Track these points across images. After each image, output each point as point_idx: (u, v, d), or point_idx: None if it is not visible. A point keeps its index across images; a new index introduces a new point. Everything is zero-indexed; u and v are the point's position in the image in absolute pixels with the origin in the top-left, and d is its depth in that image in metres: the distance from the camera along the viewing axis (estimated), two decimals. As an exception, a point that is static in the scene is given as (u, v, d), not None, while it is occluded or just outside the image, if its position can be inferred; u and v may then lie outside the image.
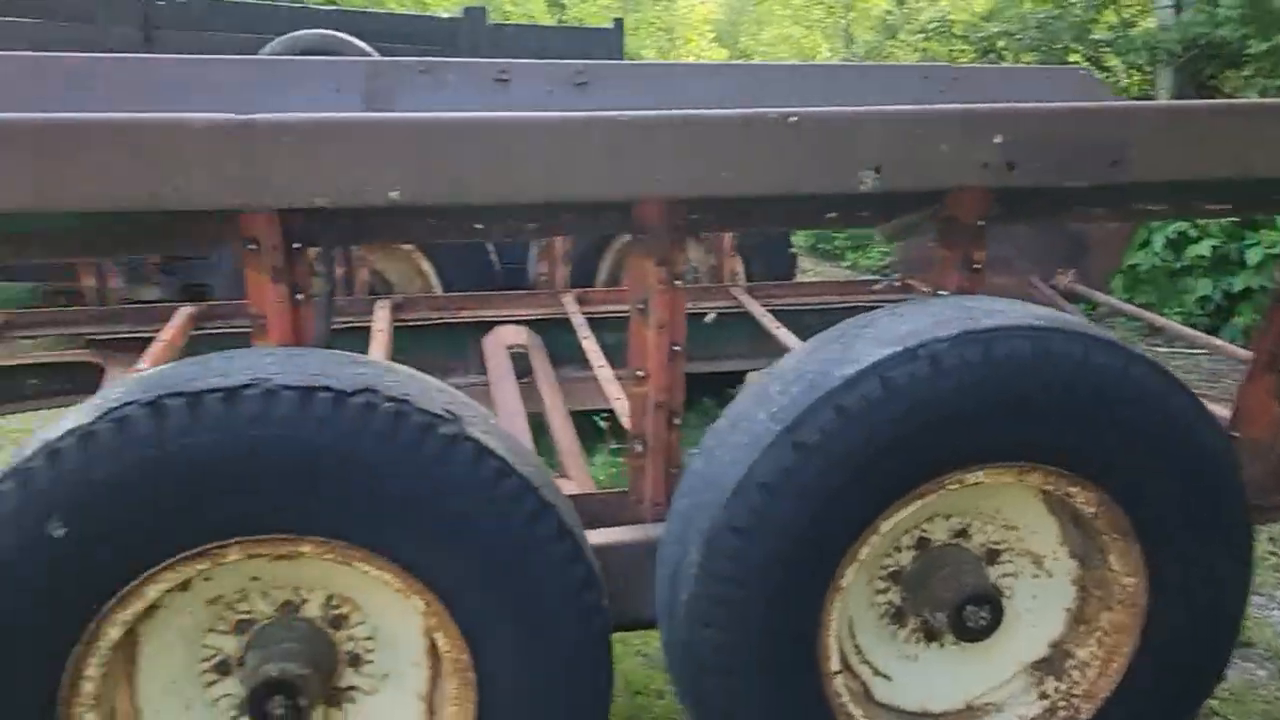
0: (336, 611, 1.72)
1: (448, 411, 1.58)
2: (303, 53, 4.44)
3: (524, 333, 3.64)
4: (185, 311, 3.46)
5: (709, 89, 3.50)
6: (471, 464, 1.55)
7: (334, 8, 5.65)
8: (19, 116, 1.64)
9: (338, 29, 4.70)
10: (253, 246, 1.81)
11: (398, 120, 1.67)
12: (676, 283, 1.96)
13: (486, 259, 4.08)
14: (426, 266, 4.07)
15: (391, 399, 1.54)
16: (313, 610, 1.71)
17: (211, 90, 3.43)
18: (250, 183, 1.66)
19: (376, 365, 1.66)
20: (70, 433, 1.46)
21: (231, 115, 1.65)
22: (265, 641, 1.67)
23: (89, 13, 4.89)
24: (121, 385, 1.54)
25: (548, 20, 10.48)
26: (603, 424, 3.55)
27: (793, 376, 1.69)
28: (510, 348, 3.50)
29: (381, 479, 1.52)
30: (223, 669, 1.70)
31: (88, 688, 1.54)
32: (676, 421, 2.04)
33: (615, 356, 3.22)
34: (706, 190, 1.81)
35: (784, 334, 3.16)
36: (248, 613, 1.69)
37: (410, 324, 3.66)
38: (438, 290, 4.10)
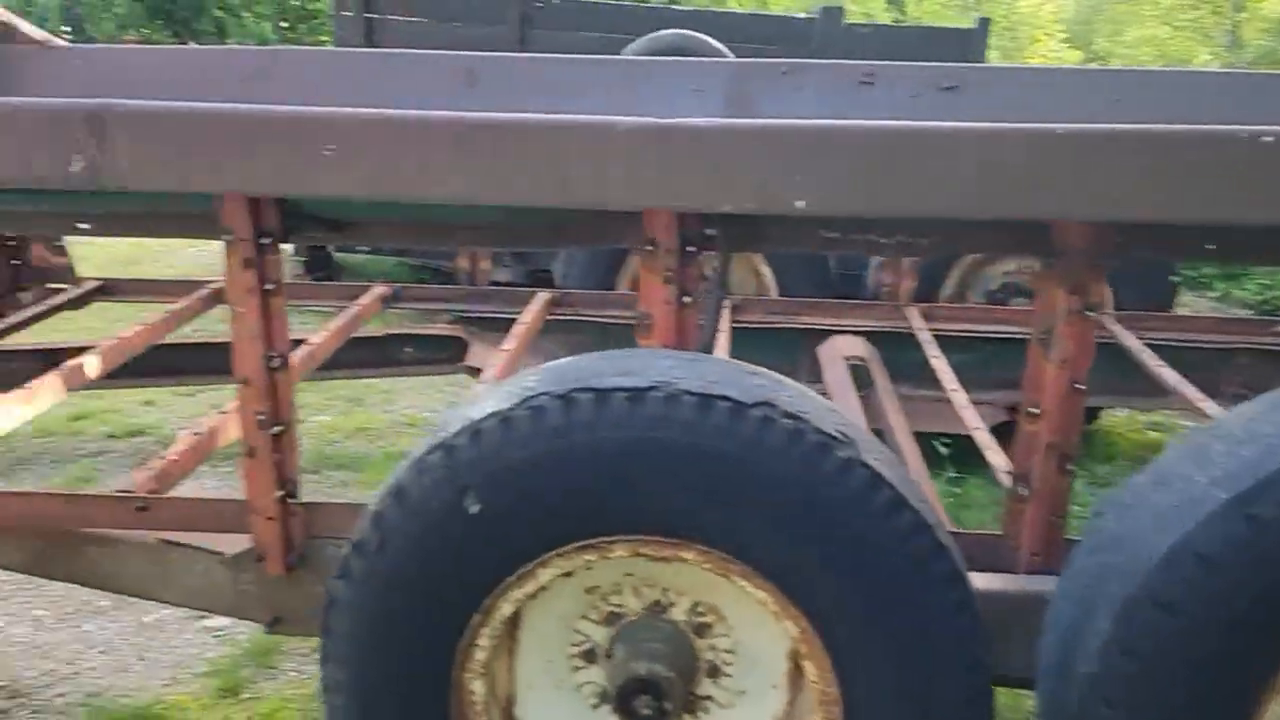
0: (701, 619, 1.72)
1: (842, 434, 1.52)
2: (661, 53, 4.58)
3: (861, 344, 3.52)
4: (543, 297, 3.67)
5: (1097, 98, 3.19)
6: (865, 492, 1.48)
7: (693, 8, 5.78)
8: (454, 115, 1.77)
9: (695, 29, 4.80)
10: (650, 248, 1.85)
11: (817, 128, 1.62)
12: (1088, 314, 1.77)
13: (824, 265, 4.00)
14: (765, 269, 4.06)
15: (789, 415, 1.50)
16: (678, 614, 1.72)
17: (580, 89, 3.60)
18: (664, 185, 1.69)
19: (771, 378, 1.62)
20: (492, 415, 1.54)
21: (654, 119, 1.69)
22: (632, 637, 1.70)
23: (470, 13, 5.34)
24: (536, 374, 1.62)
25: (885, 19, 10.20)
26: (942, 449, 3.35)
27: (1243, 436, 1.47)
28: (848, 359, 3.40)
29: (772, 496, 1.48)
30: (589, 657, 1.75)
31: (479, 656, 1.64)
32: (1069, 467, 1.86)
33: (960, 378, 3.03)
34: (1144, 215, 1.62)
35: (1168, 374, 2.81)
36: (619, 606, 1.73)
37: (744, 325, 3.66)
38: (773, 293, 4.08)
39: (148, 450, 3.73)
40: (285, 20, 10.83)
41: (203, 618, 2.65)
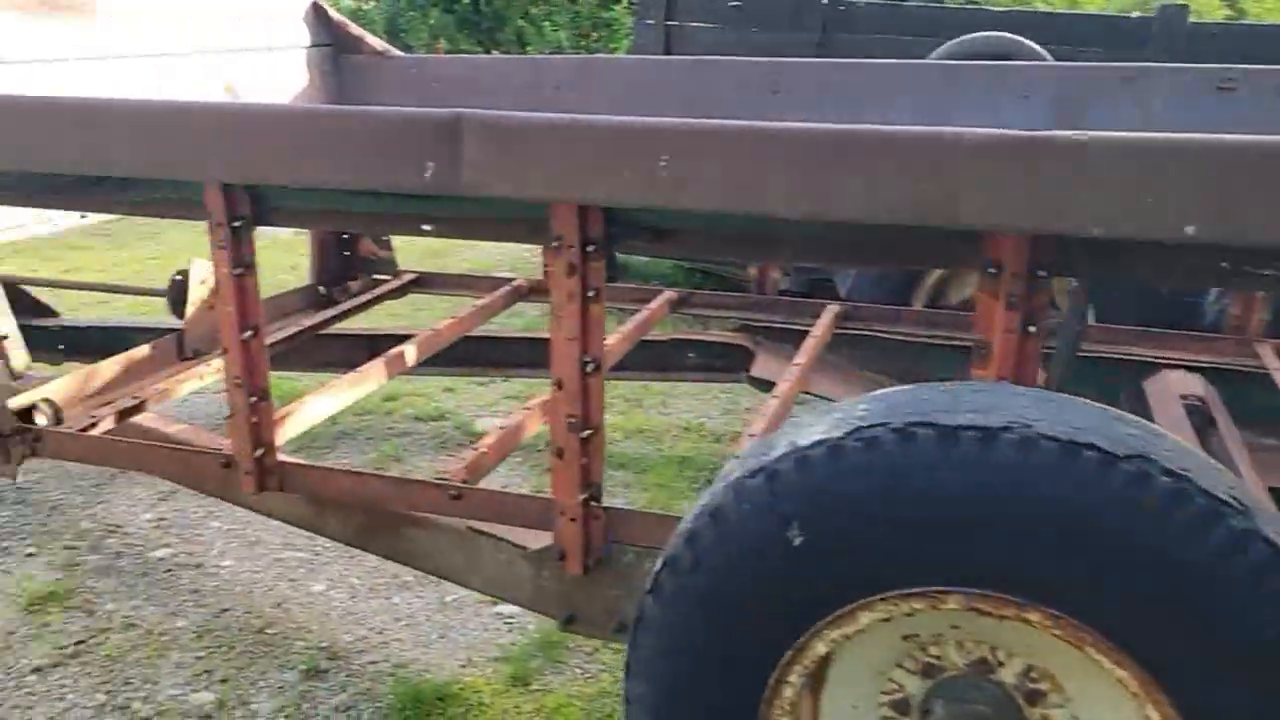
0: (1034, 685, 1.54)
1: (1234, 499, 1.30)
2: (973, 57, 4.31)
3: (1198, 382, 3.12)
4: (832, 310, 3.55)
5: None
6: (1267, 573, 1.26)
7: (1005, 9, 5.42)
8: (789, 126, 1.69)
9: (1010, 31, 4.49)
10: (993, 270, 1.69)
11: (1230, 143, 1.40)
12: None
13: (1154, 288, 3.58)
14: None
15: (1169, 473, 1.30)
16: (1008, 676, 1.55)
17: (889, 96, 3.44)
18: (1021, 205, 1.53)
19: (1145, 427, 1.42)
20: (819, 444, 1.45)
21: (1011, 131, 1.53)
22: (953, 694, 1.56)
23: (769, 19, 5.28)
24: (867, 403, 1.51)
25: (1216, 15, 9.15)
26: (1295, 510, 2.89)
27: None
28: (1184, 398, 3.02)
29: (1146, 565, 1.29)
30: (901, 708, 1.62)
31: (787, 693, 1.56)
32: None
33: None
34: None
35: None
36: (937, 658, 1.59)
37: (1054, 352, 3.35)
38: (1089, 318, 3.71)
39: (448, 434, 3.98)
40: (579, 29, 11.34)
41: (495, 603, 2.76)
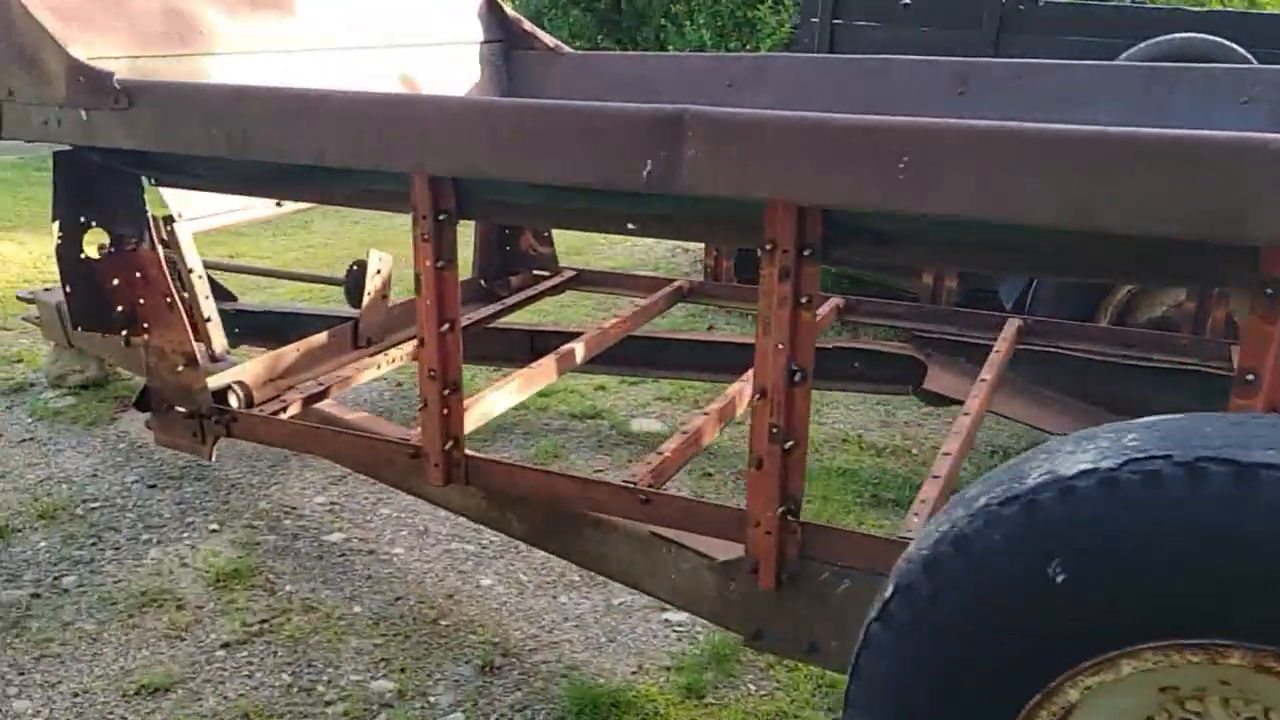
0: (1314, 755, 1.39)
1: None
2: (1168, 59, 4.06)
3: None
4: (1015, 324, 3.38)
5: None
6: None
7: (1202, 9, 5.10)
8: (1050, 128, 1.57)
9: (1206, 32, 4.20)
10: (1270, 290, 1.55)
11: None
12: None
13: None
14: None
15: None
16: (1281, 741, 1.41)
17: (1087, 97, 3.24)
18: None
19: None
20: (1087, 473, 1.34)
21: (1320, 137, 1.38)
22: (1215, 756, 1.42)
23: (941, 17, 5.08)
24: (1139, 432, 1.39)
25: None
26: None
27: None
28: None
29: None
30: (1152, 764, 1.49)
31: (1031, 739, 1.45)
32: None
33: None
34: None
35: None
36: (1198, 714, 1.45)
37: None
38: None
39: (604, 433, 3.95)
40: (721, 29, 11.23)
41: (663, 609, 2.71)
